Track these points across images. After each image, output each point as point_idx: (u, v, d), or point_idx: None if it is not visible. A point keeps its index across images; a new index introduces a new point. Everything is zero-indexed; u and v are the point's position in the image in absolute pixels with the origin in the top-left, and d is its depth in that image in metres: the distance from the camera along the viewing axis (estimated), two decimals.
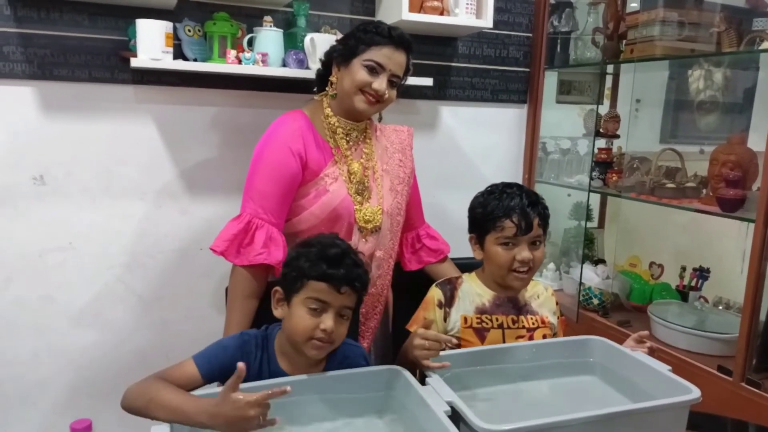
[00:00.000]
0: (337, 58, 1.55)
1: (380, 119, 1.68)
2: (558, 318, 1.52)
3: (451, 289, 1.46)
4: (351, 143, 1.60)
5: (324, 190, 1.55)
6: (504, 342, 1.41)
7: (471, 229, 1.49)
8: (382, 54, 1.51)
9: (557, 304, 1.53)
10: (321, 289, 1.15)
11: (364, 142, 1.64)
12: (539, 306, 1.48)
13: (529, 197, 1.40)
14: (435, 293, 1.45)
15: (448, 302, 1.44)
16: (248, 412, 0.98)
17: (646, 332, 1.37)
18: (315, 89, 1.67)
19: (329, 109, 1.58)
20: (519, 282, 1.42)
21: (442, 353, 1.27)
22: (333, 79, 1.57)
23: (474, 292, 1.46)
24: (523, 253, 1.38)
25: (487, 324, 1.41)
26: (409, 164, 1.71)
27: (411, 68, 1.61)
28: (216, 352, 1.19)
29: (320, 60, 1.64)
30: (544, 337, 1.44)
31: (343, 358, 1.25)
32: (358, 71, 1.50)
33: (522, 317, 1.44)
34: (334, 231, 1.55)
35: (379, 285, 1.67)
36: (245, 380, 1.16)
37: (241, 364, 1.00)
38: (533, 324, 1.44)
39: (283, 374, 1.21)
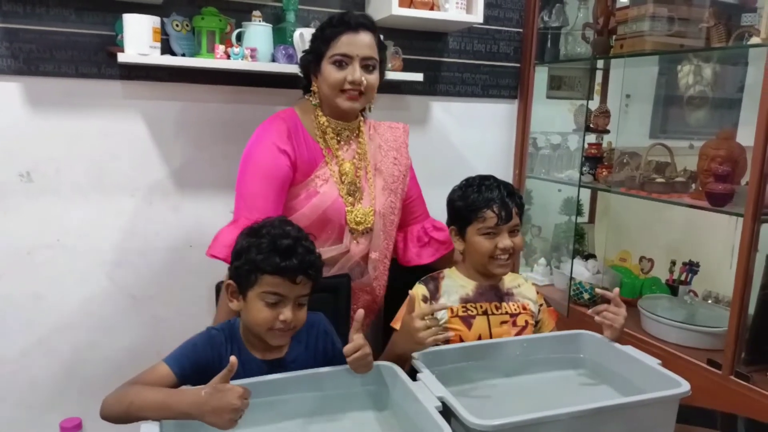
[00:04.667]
0: (309, 67, 1.55)
1: (369, 110, 1.65)
2: (541, 307, 1.54)
3: (434, 285, 1.50)
4: (342, 143, 1.59)
5: (314, 192, 1.53)
6: (489, 327, 1.45)
7: (451, 222, 1.54)
8: (342, 44, 1.47)
9: (538, 293, 1.57)
10: (276, 283, 1.14)
11: (356, 141, 1.61)
12: (519, 294, 1.52)
13: (507, 188, 1.48)
14: (419, 290, 1.48)
15: (433, 296, 1.48)
16: (235, 403, 0.99)
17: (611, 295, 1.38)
18: (303, 94, 1.65)
19: (319, 110, 1.56)
20: (501, 269, 1.47)
21: (434, 349, 1.28)
22: (314, 88, 1.56)
23: (457, 284, 1.50)
24: (505, 241, 1.44)
25: (472, 311, 1.46)
26: (404, 162, 1.69)
27: (385, 45, 1.58)
28: (186, 352, 1.18)
29: (299, 73, 1.64)
30: (526, 322, 1.48)
31: (309, 327, 1.26)
32: (329, 72, 1.48)
33: (504, 303, 1.49)
34: (326, 232, 1.54)
35: (375, 286, 1.66)
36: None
37: (233, 359, 1.02)
38: (515, 310, 1.49)
39: (255, 360, 1.22)
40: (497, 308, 1.47)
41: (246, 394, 1.01)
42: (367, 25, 1.50)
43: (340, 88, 1.48)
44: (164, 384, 1.12)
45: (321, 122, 1.55)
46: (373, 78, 1.52)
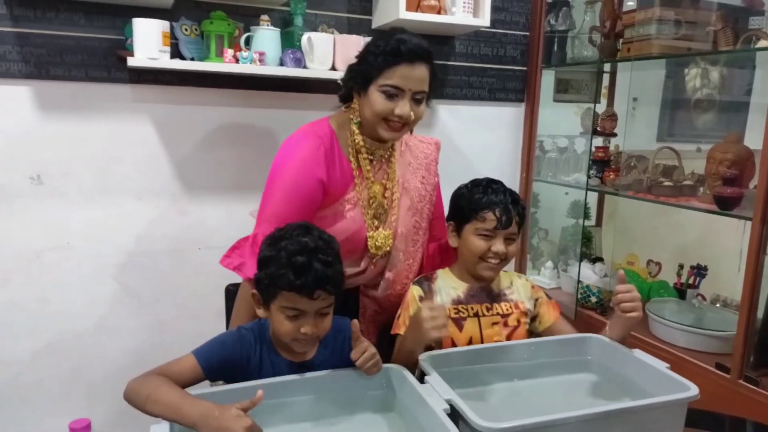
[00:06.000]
0: (354, 85, 1.44)
1: (411, 132, 1.56)
2: (538, 301, 1.54)
3: (428, 285, 1.50)
4: (375, 162, 1.52)
5: (341, 216, 1.49)
6: (480, 328, 1.45)
7: (450, 217, 1.55)
8: (397, 76, 1.37)
9: (534, 287, 1.56)
10: (294, 299, 1.14)
11: (388, 162, 1.55)
12: (513, 293, 1.52)
13: (512, 195, 1.48)
14: (414, 290, 1.49)
15: (427, 296, 1.48)
16: (238, 431, 0.97)
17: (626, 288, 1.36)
18: (341, 102, 1.55)
19: (355, 127, 1.47)
20: (489, 272, 1.47)
21: (442, 351, 1.32)
22: (355, 105, 1.46)
23: (449, 286, 1.50)
24: (499, 246, 1.43)
25: (463, 313, 1.46)
26: (432, 180, 1.63)
27: (437, 75, 1.46)
28: (215, 348, 1.20)
29: (340, 81, 1.52)
30: (518, 321, 1.48)
31: (335, 333, 1.25)
32: (376, 99, 1.38)
33: (496, 305, 1.49)
34: (345, 254, 1.45)
35: (387, 306, 1.62)
36: (248, 376, 1.18)
37: (261, 393, 1.02)
38: (507, 310, 1.49)
39: (284, 362, 1.23)
40: (488, 310, 1.48)
41: (255, 430, 0.99)
42: (425, 57, 1.40)
43: (384, 117, 1.40)
44: (190, 376, 1.14)
45: (356, 141, 1.48)
46: (421, 110, 1.44)
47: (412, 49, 1.37)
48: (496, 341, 1.44)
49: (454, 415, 1.05)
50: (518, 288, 1.54)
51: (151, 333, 2.04)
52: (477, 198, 1.46)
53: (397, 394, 1.21)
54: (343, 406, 1.19)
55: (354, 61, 1.47)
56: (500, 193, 1.46)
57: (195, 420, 1.00)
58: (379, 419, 1.18)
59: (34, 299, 1.89)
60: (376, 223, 1.53)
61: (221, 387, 1.16)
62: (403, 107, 1.38)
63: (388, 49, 1.36)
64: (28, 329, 1.89)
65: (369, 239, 1.51)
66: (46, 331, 1.91)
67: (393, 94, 1.38)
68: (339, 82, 1.52)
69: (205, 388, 1.15)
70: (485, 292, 1.50)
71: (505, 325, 1.47)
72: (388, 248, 1.54)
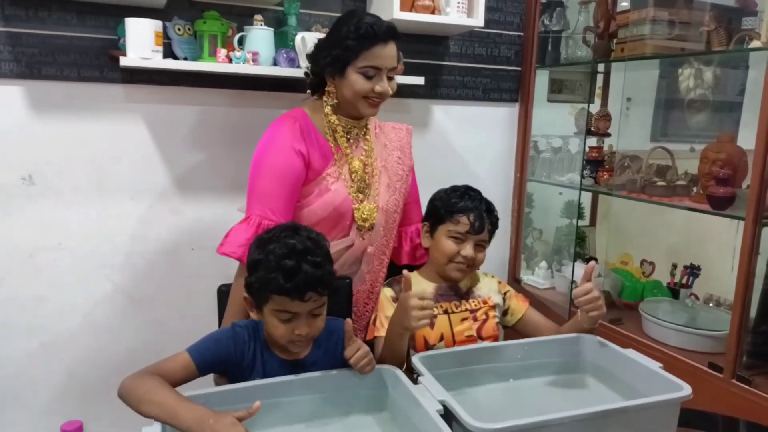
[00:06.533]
0: (328, 69, 1.52)
1: None
2: (506, 294, 1.60)
3: (399, 287, 1.52)
4: (351, 141, 1.60)
5: (326, 189, 1.55)
6: (451, 324, 1.50)
7: (426, 218, 1.61)
8: (374, 56, 1.47)
9: (500, 283, 1.63)
10: (285, 302, 1.14)
11: (364, 139, 1.63)
12: (480, 290, 1.59)
13: (487, 204, 1.56)
14: (386, 292, 1.54)
15: (398, 298, 1.48)
16: None
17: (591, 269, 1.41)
18: (309, 92, 1.64)
19: (329, 108, 1.56)
20: (457, 273, 1.52)
21: (435, 352, 1.34)
22: (330, 89, 1.54)
23: (419, 287, 1.52)
24: (468, 250, 1.50)
25: (434, 311, 1.47)
26: (407, 162, 1.71)
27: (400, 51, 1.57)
28: (209, 345, 1.20)
29: (307, 68, 1.62)
30: (487, 315, 1.54)
31: (329, 334, 1.26)
32: (356, 81, 1.48)
33: (464, 301, 1.55)
34: (336, 228, 1.57)
35: (369, 281, 1.66)
36: (242, 373, 1.19)
37: (258, 403, 1.02)
38: (475, 306, 1.55)
39: (276, 359, 1.23)
40: (457, 306, 1.53)
41: None
42: (395, 35, 1.50)
43: (365, 96, 1.50)
44: (185, 374, 1.15)
45: (331, 121, 1.56)
46: (394, 85, 1.55)
47: (384, 31, 1.47)
48: (467, 336, 1.50)
49: (448, 415, 1.05)
50: (485, 285, 1.60)
51: (145, 333, 2.03)
52: (453, 202, 1.53)
53: (391, 395, 1.21)
54: (336, 407, 1.19)
55: (312, 50, 1.57)
56: (476, 200, 1.54)
57: (189, 425, 1.00)
58: (372, 420, 1.18)
59: (28, 299, 1.88)
60: (361, 196, 1.60)
61: (217, 388, 1.16)
62: (382, 84, 1.50)
63: (362, 32, 1.45)
64: (23, 329, 1.88)
65: (355, 211, 1.58)
66: (41, 330, 1.90)
67: (372, 74, 1.48)
68: (306, 72, 1.63)
69: (200, 389, 1.14)
70: (453, 291, 1.56)
71: (475, 319, 1.53)
72: (374, 221, 1.61)
